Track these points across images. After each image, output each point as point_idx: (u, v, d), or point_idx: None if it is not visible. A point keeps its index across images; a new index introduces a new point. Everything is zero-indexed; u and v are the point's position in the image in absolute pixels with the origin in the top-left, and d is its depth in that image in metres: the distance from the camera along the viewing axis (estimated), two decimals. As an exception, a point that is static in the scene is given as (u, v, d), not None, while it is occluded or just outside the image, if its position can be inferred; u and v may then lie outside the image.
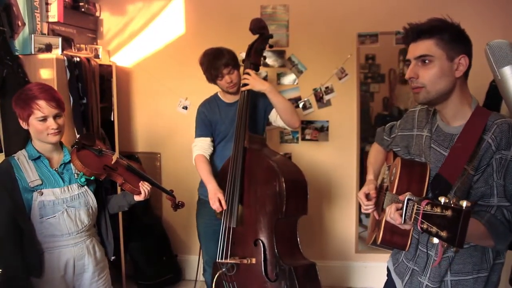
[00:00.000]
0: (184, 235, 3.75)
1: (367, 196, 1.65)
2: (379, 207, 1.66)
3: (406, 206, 1.24)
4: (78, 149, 1.93)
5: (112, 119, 3.38)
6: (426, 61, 1.38)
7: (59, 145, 1.95)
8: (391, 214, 1.31)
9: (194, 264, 3.45)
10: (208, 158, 2.61)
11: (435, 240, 1.06)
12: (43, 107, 1.78)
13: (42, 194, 1.81)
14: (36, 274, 1.82)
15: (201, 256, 2.87)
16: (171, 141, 3.65)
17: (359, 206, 3.53)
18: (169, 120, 3.63)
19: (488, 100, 2.82)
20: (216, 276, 2.36)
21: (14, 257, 1.79)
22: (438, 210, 1.06)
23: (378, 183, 1.77)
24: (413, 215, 1.17)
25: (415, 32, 1.41)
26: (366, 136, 5.04)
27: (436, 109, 1.51)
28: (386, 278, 1.78)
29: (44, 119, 1.79)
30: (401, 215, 1.27)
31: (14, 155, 1.88)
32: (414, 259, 1.55)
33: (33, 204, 1.80)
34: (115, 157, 2.00)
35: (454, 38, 1.38)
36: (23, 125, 1.84)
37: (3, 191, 1.79)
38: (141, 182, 2.01)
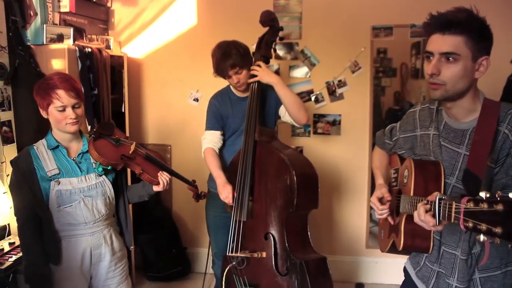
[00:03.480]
0: (193, 228, 3.74)
1: (381, 200, 1.60)
2: (393, 212, 1.62)
3: (439, 207, 1.19)
4: (95, 138, 1.91)
5: (123, 110, 3.37)
6: (451, 58, 1.32)
7: (79, 134, 1.95)
8: (421, 217, 1.26)
9: (203, 257, 3.44)
10: (217, 151, 2.59)
11: (482, 238, 1.01)
12: (62, 96, 1.78)
13: (59, 183, 1.83)
14: (55, 261, 1.85)
15: (210, 249, 2.85)
16: (182, 133, 3.63)
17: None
18: (180, 112, 3.62)
19: (505, 95, 2.76)
20: (227, 270, 2.35)
21: (34, 244, 1.82)
22: (485, 206, 1.00)
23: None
24: (453, 214, 1.12)
25: (443, 23, 1.33)
26: (376, 130, 4.99)
27: (444, 106, 1.46)
28: (396, 273, 1.74)
29: (63, 108, 1.80)
30: (432, 216, 1.22)
31: (34, 144, 1.89)
32: (438, 261, 1.49)
33: (50, 193, 1.82)
34: (133, 146, 1.96)
35: (481, 38, 1.32)
36: (43, 114, 1.85)
37: (22, 180, 1.82)
38: (160, 172, 1.97)
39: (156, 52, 3.60)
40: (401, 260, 1.75)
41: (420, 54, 5.59)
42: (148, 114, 3.71)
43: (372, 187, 3.43)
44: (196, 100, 3.55)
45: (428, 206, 1.26)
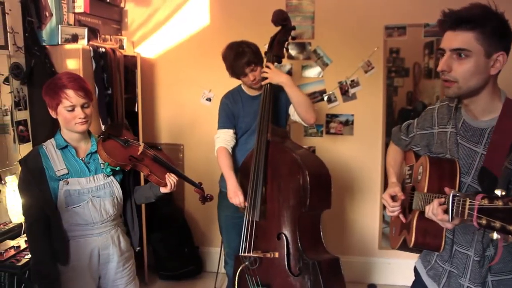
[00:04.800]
0: (205, 227, 3.75)
1: (393, 198, 1.59)
2: (405, 209, 1.60)
3: (453, 203, 1.18)
4: (104, 139, 1.91)
5: (136, 110, 3.39)
6: (462, 55, 1.31)
7: (87, 135, 1.95)
8: (434, 210, 1.26)
9: (215, 256, 3.45)
10: (230, 151, 2.59)
11: (495, 236, 1.00)
12: (71, 96, 1.78)
13: (68, 183, 1.82)
14: (63, 261, 1.85)
15: (222, 249, 2.86)
16: (194, 132, 3.65)
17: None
18: (192, 112, 3.63)
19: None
20: (239, 269, 2.35)
21: (42, 244, 1.82)
22: (500, 203, 0.99)
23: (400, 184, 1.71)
24: (466, 211, 1.11)
25: (454, 20, 1.32)
26: (389, 131, 4.96)
27: (463, 104, 1.44)
28: (409, 274, 1.72)
29: (72, 108, 1.79)
30: (444, 211, 1.22)
31: (43, 144, 1.89)
32: (449, 260, 1.47)
33: (59, 193, 1.82)
34: (141, 148, 1.97)
35: (495, 33, 1.29)
36: (52, 114, 1.85)
37: (31, 179, 1.81)
38: (168, 173, 1.96)
39: (169, 52, 3.62)
40: (414, 262, 1.73)
41: (434, 54, 5.54)
42: (160, 113, 3.73)
43: (386, 188, 3.42)
44: (209, 100, 3.56)
45: (443, 199, 1.25)
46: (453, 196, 1.18)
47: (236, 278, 2.35)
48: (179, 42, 3.59)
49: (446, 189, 1.27)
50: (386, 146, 3.58)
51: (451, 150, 1.45)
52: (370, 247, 3.53)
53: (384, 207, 3.48)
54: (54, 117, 1.86)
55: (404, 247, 1.57)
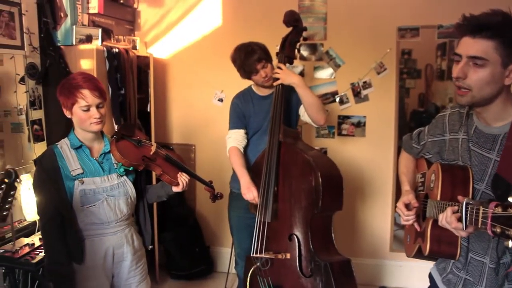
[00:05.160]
0: (216, 227, 3.76)
1: (407, 207, 1.57)
2: (419, 217, 1.59)
3: (466, 211, 1.17)
4: (117, 139, 1.93)
5: (148, 110, 3.41)
6: (479, 63, 1.28)
7: (100, 135, 1.97)
8: (447, 218, 1.25)
9: (226, 256, 3.46)
10: (242, 150, 2.60)
11: (510, 244, 0.99)
12: (87, 96, 1.79)
13: (83, 182, 1.83)
14: (78, 260, 1.86)
15: (233, 249, 2.86)
16: (206, 133, 3.66)
17: (396, 205, 3.45)
18: (204, 112, 3.64)
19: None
20: (251, 270, 2.35)
21: (57, 243, 1.83)
22: None
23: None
24: (480, 219, 1.10)
25: (474, 26, 1.29)
26: (401, 133, 4.94)
27: (474, 111, 1.42)
28: (421, 278, 1.71)
29: (88, 108, 1.80)
30: (458, 219, 1.21)
31: (57, 143, 1.90)
32: (465, 268, 1.45)
33: (74, 192, 1.82)
34: (153, 148, 1.98)
35: None
36: (67, 114, 1.86)
37: (46, 178, 1.82)
38: (180, 173, 1.99)
39: (181, 52, 3.64)
40: (426, 265, 1.72)
41: (446, 56, 5.50)
42: (173, 114, 3.75)
43: (397, 190, 3.40)
44: (221, 100, 3.57)
45: (456, 207, 1.24)
46: (467, 204, 1.17)
47: (248, 279, 2.36)
48: (191, 43, 3.61)
49: (459, 197, 1.26)
50: (399, 147, 3.58)
51: (463, 157, 1.43)
52: (381, 250, 3.51)
53: (397, 212, 3.48)
54: (69, 117, 1.86)
55: (419, 255, 1.56)
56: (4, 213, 1.20)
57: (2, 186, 1.19)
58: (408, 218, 1.56)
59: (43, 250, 2.07)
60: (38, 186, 1.85)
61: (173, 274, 3.62)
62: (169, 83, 3.71)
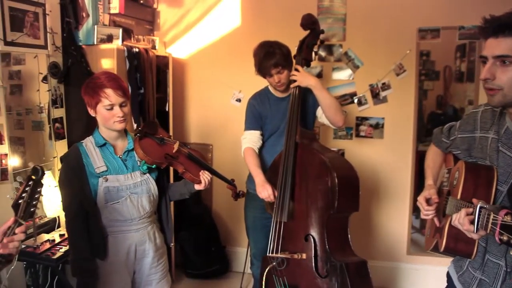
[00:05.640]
0: (232, 227, 3.78)
1: (428, 201, 1.57)
2: (440, 213, 1.58)
3: (479, 215, 1.17)
4: (140, 137, 1.95)
5: (166, 109, 3.45)
6: (506, 62, 1.27)
7: (124, 133, 1.99)
8: (460, 219, 1.25)
9: (242, 256, 3.47)
10: (257, 151, 2.61)
11: None
12: (110, 95, 1.82)
13: (107, 180, 1.87)
14: (101, 256, 1.90)
15: (249, 249, 2.87)
16: (223, 133, 3.68)
17: (413, 208, 3.43)
18: (222, 112, 3.66)
19: None
20: (266, 270, 2.36)
21: (81, 239, 1.87)
22: None
23: (437, 187, 1.68)
24: (490, 225, 1.10)
25: (496, 26, 1.28)
26: (419, 135, 4.89)
27: (507, 111, 1.40)
28: (438, 282, 1.70)
29: (111, 107, 1.84)
30: (471, 222, 1.20)
31: (82, 141, 1.94)
32: (481, 268, 1.44)
33: (98, 189, 1.86)
34: (176, 145, 2.00)
35: None
36: (91, 112, 1.89)
37: (71, 175, 1.86)
38: (202, 171, 2.00)
39: (200, 52, 3.66)
40: (443, 269, 1.71)
41: (466, 57, 5.42)
42: (190, 113, 3.78)
43: (415, 193, 3.37)
44: (239, 100, 3.59)
45: (471, 210, 1.23)
46: (480, 207, 1.17)
47: (263, 279, 2.36)
48: (210, 43, 3.63)
49: (474, 200, 1.25)
50: (417, 150, 3.55)
51: (491, 157, 1.41)
52: (397, 252, 3.48)
53: (414, 212, 3.44)
54: (93, 115, 1.90)
55: (436, 250, 1.56)
56: (32, 209, 1.23)
57: (30, 183, 1.22)
58: (427, 212, 1.57)
59: (68, 245, 2.12)
60: (63, 183, 1.90)
61: (188, 273, 3.64)
62: (187, 83, 3.74)
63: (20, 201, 1.21)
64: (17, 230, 1.21)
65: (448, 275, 1.67)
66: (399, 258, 3.48)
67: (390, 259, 3.49)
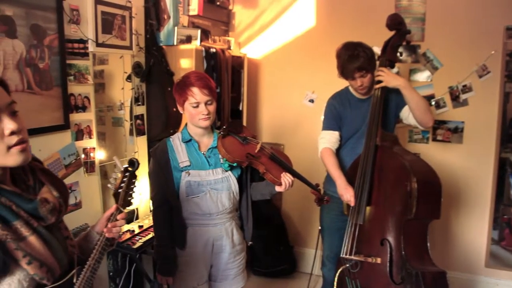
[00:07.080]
0: (301, 228, 3.77)
1: None
2: None
3: None
4: (223, 135, 1.99)
5: (240, 108, 3.51)
6: None
7: (210, 130, 2.06)
8: None
9: (309, 257, 3.46)
10: (334, 152, 2.57)
11: None
12: (196, 94, 1.90)
13: (189, 174, 1.94)
14: (180, 245, 2.00)
15: (317, 250, 2.85)
16: (295, 133, 3.68)
17: (494, 218, 3.23)
18: (294, 112, 3.67)
19: None
20: (339, 271, 2.34)
21: (164, 227, 2.01)
22: None
23: None
24: None
25: None
26: (503, 140, 4.60)
27: None
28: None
29: (197, 105, 1.91)
30: None
31: (171, 137, 2.05)
32: None
33: (181, 183, 1.95)
34: (258, 146, 2.00)
35: None
36: (180, 109, 2.00)
37: (158, 168, 1.98)
38: (283, 173, 1.94)
39: (274, 53, 3.70)
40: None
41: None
42: (263, 113, 3.82)
43: (496, 202, 3.18)
44: (312, 101, 3.57)
45: None
46: None
47: (336, 279, 2.34)
48: (284, 43, 3.65)
49: None
50: (500, 157, 3.34)
51: None
52: (475, 264, 3.30)
53: (494, 222, 3.24)
54: (181, 112, 2.00)
55: None
56: (128, 198, 1.31)
57: (127, 174, 1.30)
58: None
59: (153, 233, 2.24)
60: (151, 175, 2.03)
61: (255, 271, 3.68)
62: (260, 82, 3.79)
63: (119, 190, 1.30)
64: (118, 217, 1.30)
65: None
66: (477, 270, 3.30)
67: (467, 271, 3.31)
